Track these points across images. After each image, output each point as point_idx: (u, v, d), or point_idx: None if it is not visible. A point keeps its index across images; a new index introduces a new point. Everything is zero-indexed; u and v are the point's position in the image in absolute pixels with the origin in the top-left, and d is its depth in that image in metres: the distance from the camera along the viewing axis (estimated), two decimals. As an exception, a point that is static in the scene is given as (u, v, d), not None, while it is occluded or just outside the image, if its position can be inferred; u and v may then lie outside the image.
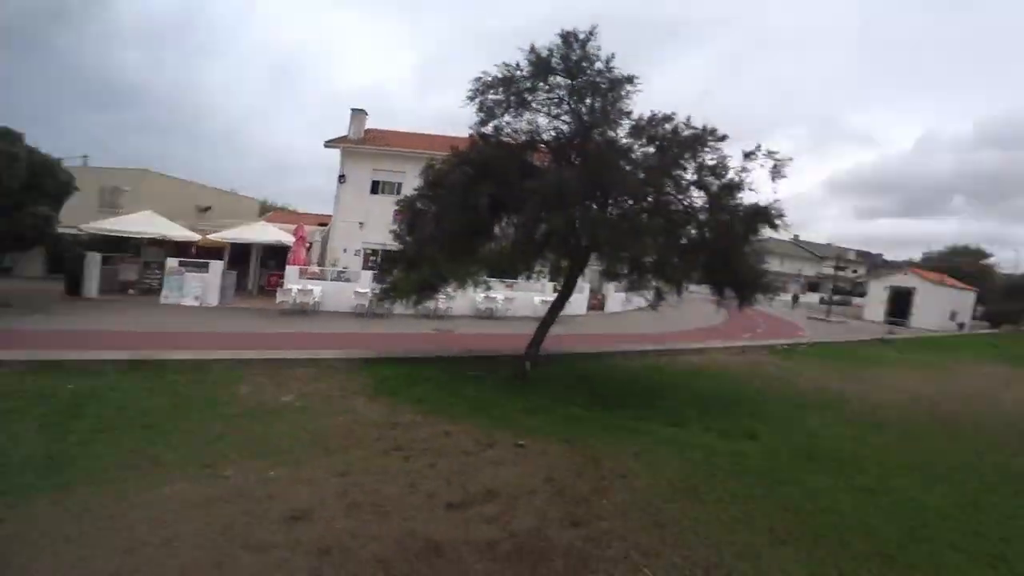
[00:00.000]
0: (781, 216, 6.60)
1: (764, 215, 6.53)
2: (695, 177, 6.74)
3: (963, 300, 36.55)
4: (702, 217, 6.90)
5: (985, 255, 55.29)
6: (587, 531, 3.67)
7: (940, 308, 33.49)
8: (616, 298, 27.28)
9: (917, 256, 59.27)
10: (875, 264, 74.97)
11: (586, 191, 6.46)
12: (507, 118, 7.12)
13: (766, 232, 6.88)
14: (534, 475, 4.49)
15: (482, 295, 17.56)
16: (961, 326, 34.32)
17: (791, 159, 6.44)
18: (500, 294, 18.74)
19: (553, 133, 7.25)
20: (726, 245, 6.57)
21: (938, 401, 9.37)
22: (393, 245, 8.89)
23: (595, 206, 6.83)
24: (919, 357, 15.64)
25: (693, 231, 7.00)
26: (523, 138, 7.33)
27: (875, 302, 37.04)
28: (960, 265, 45.29)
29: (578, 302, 23.10)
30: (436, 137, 23.09)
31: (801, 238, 73.74)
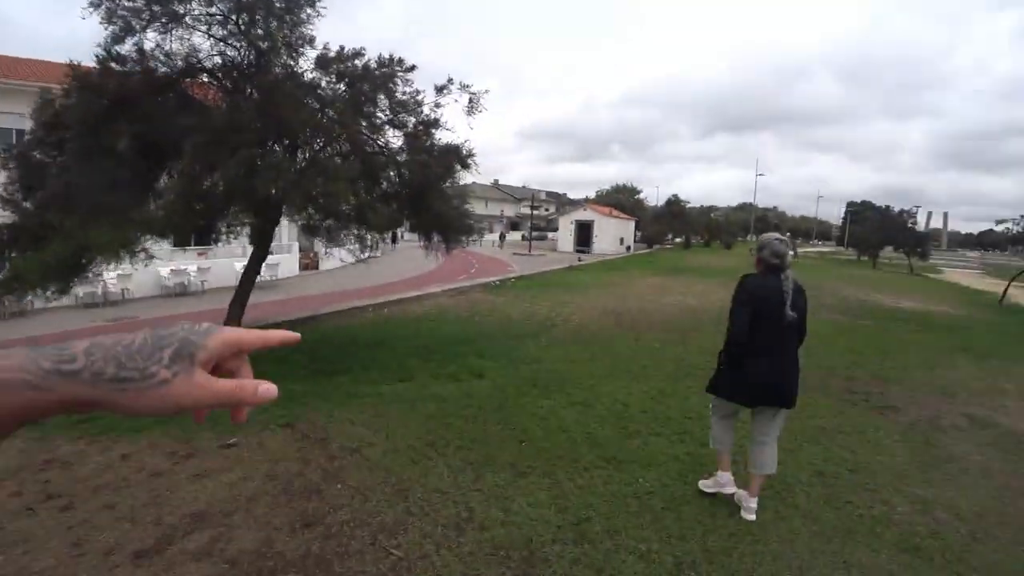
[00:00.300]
0: (472, 155, 6.61)
1: (456, 153, 6.48)
2: (389, 115, 6.32)
3: (627, 228, 44.64)
4: (401, 158, 6.52)
5: (637, 191, 68.30)
6: (323, 529, 3.14)
7: (612, 236, 40.41)
8: (332, 254, 25.96)
9: (592, 194, 70.19)
10: (562, 203, 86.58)
11: (265, 132, 5.46)
12: (152, 34, 5.53)
13: (465, 175, 6.91)
14: (251, 478, 3.73)
15: (168, 269, 14.79)
16: (628, 248, 42.12)
17: (486, 91, 6.47)
18: (191, 265, 16.03)
19: (220, 60, 5.91)
20: (425, 187, 6.33)
21: (621, 312, 11.10)
22: (5, 216, 6.28)
23: (279, 150, 5.92)
24: (603, 277, 18.54)
25: (393, 174, 6.61)
26: (179, 64, 5.78)
27: (565, 235, 42.78)
28: (621, 200, 55.16)
29: (288, 263, 21.36)
30: (69, 67, 18.03)
31: (501, 182, 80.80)
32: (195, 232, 7.00)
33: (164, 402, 0.42)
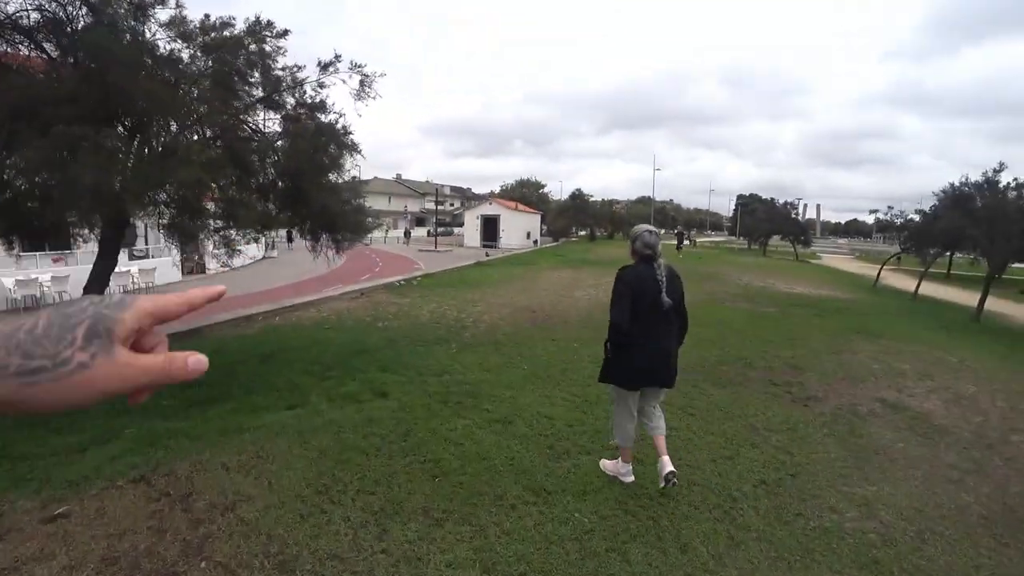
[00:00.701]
0: (348, 134, 5.76)
1: (332, 134, 5.61)
2: (264, 94, 5.36)
3: (533, 222, 44.79)
4: (279, 144, 5.60)
5: (542, 185, 68.89)
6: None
7: (519, 230, 40.30)
8: (220, 256, 23.82)
9: (497, 188, 69.98)
10: (467, 197, 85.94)
11: (97, 109, 4.29)
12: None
13: (353, 163, 6.02)
14: (81, 566, 2.83)
15: (12, 279, 12.63)
16: (535, 242, 42.17)
17: (381, 74, 5.67)
18: (44, 273, 13.85)
19: (38, 16, 4.59)
20: (307, 178, 5.41)
21: (535, 309, 10.68)
22: None
23: (121, 131, 4.77)
24: (512, 272, 18.14)
25: (268, 163, 5.68)
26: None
27: (471, 230, 42.21)
28: (526, 194, 55.38)
29: (165, 268, 19.31)
30: None
31: (404, 177, 78.77)
32: (29, 235, 5.63)
33: (86, 391, 0.38)
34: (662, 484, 3.48)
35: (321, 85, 5.53)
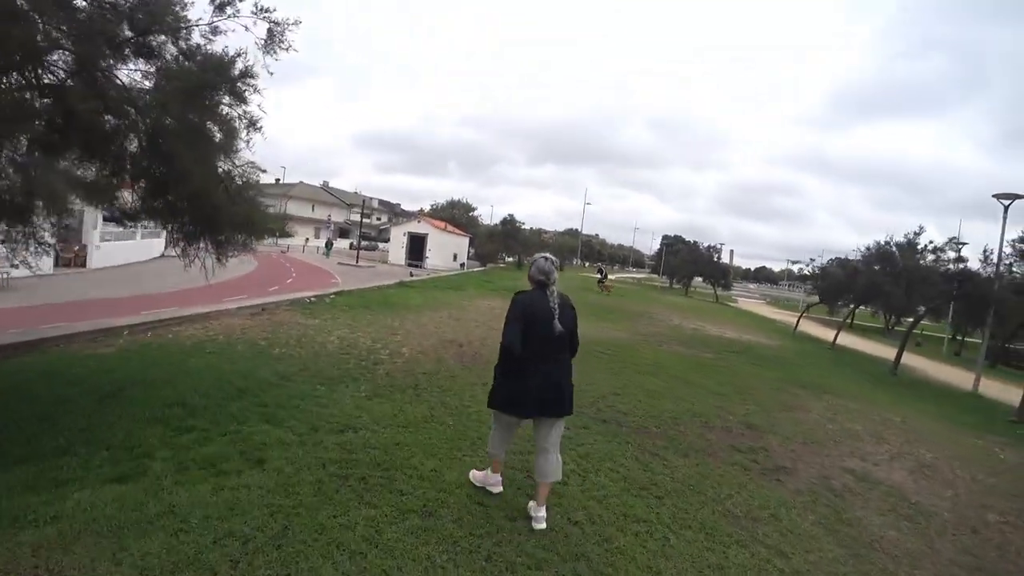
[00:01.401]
0: (247, 77, 4.32)
1: (221, 73, 4.17)
2: (132, 34, 3.86)
3: (461, 244, 43.62)
4: (144, 103, 3.83)
5: (472, 208, 67.99)
6: None
7: (446, 251, 38.98)
8: (112, 249, 21.02)
9: (427, 207, 68.42)
10: (396, 213, 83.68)
11: None
12: None
13: (251, 140, 4.54)
14: None
15: None
16: (463, 265, 40.95)
17: (296, 22, 4.29)
18: None
19: None
20: (180, 144, 3.77)
21: (462, 343, 9.43)
22: None
23: None
24: (438, 296, 16.77)
25: (134, 135, 4.00)
26: None
27: (397, 247, 40.50)
28: (456, 215, 54.19)
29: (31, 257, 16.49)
30: None
31: (331, 185, 75.61)
32: None
33: None
34: (538, 527, 3.39)
35: (215, 30, 4.11)
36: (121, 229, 26.89)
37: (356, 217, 74.09)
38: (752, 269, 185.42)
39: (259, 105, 4.36)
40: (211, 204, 4.16)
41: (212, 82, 3.81)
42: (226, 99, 4.11)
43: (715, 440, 5.90)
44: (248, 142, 4.45)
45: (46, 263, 17.06)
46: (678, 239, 68.66)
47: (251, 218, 4.67)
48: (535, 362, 3.33)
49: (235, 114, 4.24)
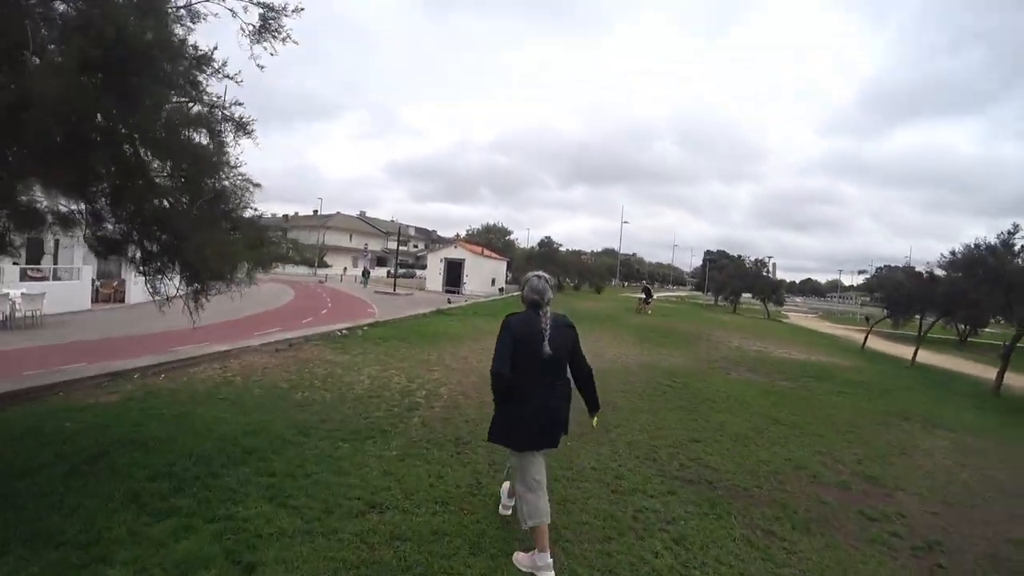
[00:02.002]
0: (206, 61, 3.35)
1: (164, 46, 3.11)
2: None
3: (499, 269, 42.84)
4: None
5: (508, 232, 67.41)
6: None
7: (484, 276, 38.15)
8: (143, 282, 20.83)
9: (462, 233, 68.25)
10: (432, 239, 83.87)
11: None
12: None
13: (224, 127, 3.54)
14: None
15: None
16: (501, 290, 40.09)
17: (299, 9, 3.39)
18: (14, 289, 11.02)
19: None
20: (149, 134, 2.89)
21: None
22: None
23: None
24: (477, 325, 15.78)
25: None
26: None
27: (434, 273, 39.91)
28: (492, 240, 53.60)
29: (71, 293, 16.40)
30: None
31: (368, 214, 76.38)
32: None
33: None
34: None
35: (195, 16, 3.23)
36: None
37: (393, 245, 74.50)
38: (797, 282, 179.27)
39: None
40: (172, 223, 3.21)
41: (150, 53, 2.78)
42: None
43: (835, 504, 4.63)
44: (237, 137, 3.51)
45: (83, 299, 16.89)
46: (721, 254, 66.31)
47: (244, 246, 3.71)
48: (528, 388, 3.11)
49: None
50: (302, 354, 9.19)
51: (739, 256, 61.82)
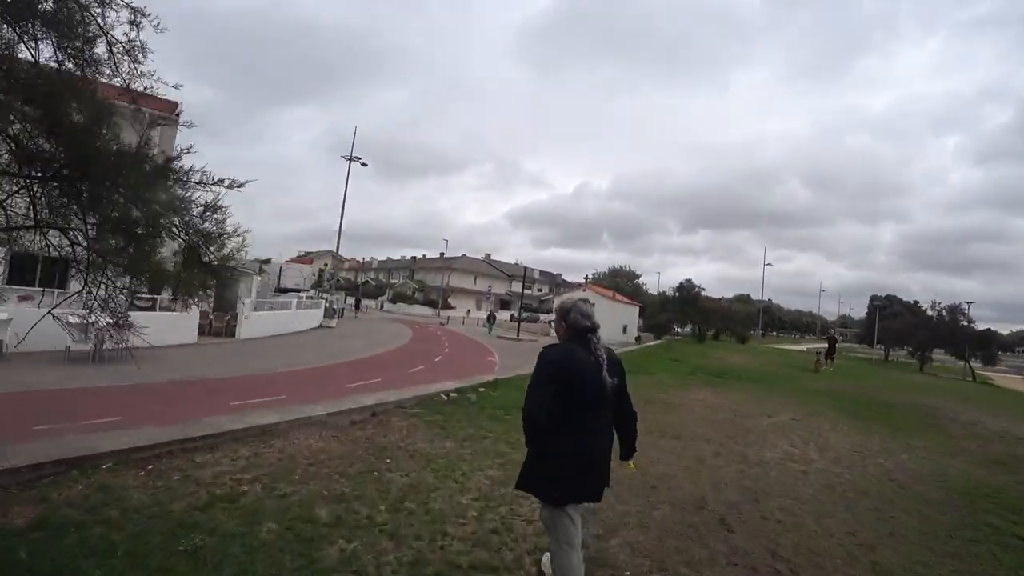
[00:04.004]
0: None
1: None
2: None
3: (631, 314, 38.63)
4: None
5: (637, 275, 62.83)
6: None
7: (615, 322, 34.13)
8: (263, 319, 19.68)
9: (588, 276, 64.80)
10: (556, 283, 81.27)
11: None
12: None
13: None
14: None
15: None
16: (638, 339, 35.71)
17: None
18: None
19: None
20: None
21: (725, 515, 4.63)
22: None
23: None
24: (642, 391, 12.00)
25: None
26: None
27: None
28: (620, 284, 49.52)
29: (175, 324, 15.12)
30: None
31: (492, 258, 75.62)
32: None
33: None
34: None
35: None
36: (277, 298, 26.43)
37: (517, 288, 72.64)
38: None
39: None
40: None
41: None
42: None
43: None
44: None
45: (189, 332, 15.55)
46: (892, 299, 55.98)
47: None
48: (574, 428, 2.61)
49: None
50: (382, 433, 6.13)
51: (916, 302, 51.96)
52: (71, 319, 11.72)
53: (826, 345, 24.33)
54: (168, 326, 14.65)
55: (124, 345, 11.63)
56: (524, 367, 13.60)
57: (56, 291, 12.89)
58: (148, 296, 15.26)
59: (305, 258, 66.85)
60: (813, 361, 23.05)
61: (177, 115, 3.61)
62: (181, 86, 3.34)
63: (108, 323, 11.73)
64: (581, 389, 2.63)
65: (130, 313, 14.41)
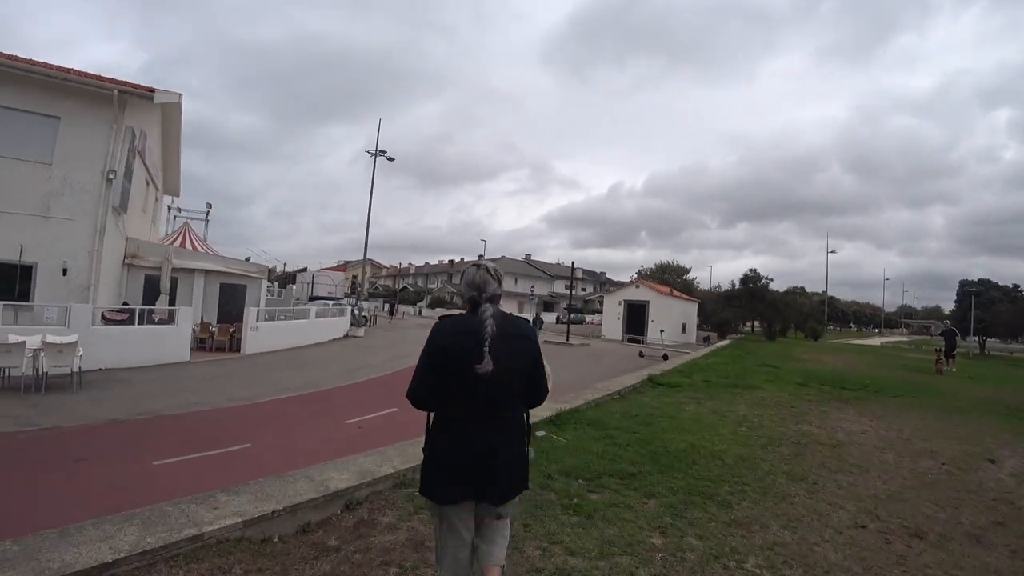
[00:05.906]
0: None
1: None
2: None
3: (689, 311, 34.81)
4: None
5: (686, 270, 58.50)
6: None
7: (673, 320, 30.35)
8: (275, 330, 17.08)
9: (634, 274, 60.82)
10: (601, 282, 77.50)
11: None
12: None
13: None
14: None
15: None
16: (707, 339, 31.78)
17: None
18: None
19: None
20: None
21: None
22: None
23: None
24: (735, 407, 8.50)
25: None
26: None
27: (611, 318, 33.17)
28: (668, 280, 45.53)
29: (160, 340, 12.55)
30: None
31: (534, 259, 72.47)
32: None
33: None
34: None
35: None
36: (289, 307, 23.77)
37: (559, 289, 69.28)
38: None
39: None
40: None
41: None
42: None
43: None
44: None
45: (179, 348, 12.80)
46: (987, 283, 49.79)
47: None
48: (459, 417, 2.13)
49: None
50: (354, 566, 2.96)
51: (1016, 286, 46.05)
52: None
53: (943, 341, 20.09)
54: (151, 343, 12.02)
55: (74, 369, 9.09)
56: (587, 385, 10.25)
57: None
58: (123, 308, 12.66)
59: (340, 266, 65.17)
60: (933, 361, 18.87)
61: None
62: None
63: (44, 342, 9.11)
64: (458, 371, 2.06)
65: (102, 328, 11.75)
